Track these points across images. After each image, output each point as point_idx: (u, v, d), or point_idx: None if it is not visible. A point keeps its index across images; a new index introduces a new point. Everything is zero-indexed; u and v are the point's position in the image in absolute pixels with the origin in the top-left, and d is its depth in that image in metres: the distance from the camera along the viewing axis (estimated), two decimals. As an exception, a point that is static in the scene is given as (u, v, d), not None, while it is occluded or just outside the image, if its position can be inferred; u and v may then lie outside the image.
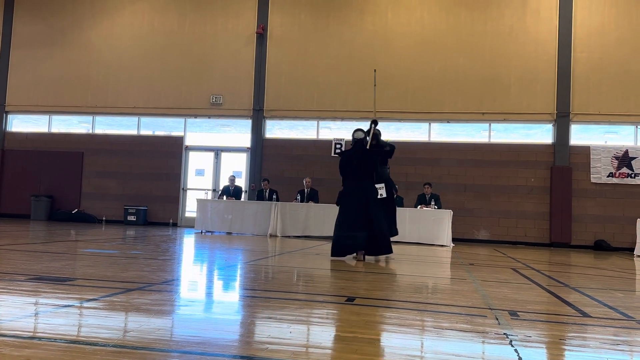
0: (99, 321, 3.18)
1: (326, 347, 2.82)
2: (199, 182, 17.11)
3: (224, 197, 14.43)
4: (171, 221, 16.67)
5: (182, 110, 16.95)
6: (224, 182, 15.79)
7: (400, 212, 11.22)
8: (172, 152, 16.98)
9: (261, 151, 16.36)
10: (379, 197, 8.36)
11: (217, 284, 5.41)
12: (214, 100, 16.69)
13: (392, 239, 8.57)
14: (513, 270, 7.57)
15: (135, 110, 17.19)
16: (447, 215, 12.76)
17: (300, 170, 15.76)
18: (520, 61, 15.33)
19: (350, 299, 4.40)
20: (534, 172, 15.04)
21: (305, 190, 14.25)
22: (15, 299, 3.78)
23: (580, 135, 15.16)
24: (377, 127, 8.82)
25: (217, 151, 17.07)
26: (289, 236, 13.29)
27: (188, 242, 10.67)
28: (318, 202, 13.93)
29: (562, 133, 14.97)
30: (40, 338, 2.72)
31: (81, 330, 2.99)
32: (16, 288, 4.20)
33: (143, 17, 17.44)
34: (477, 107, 15.38)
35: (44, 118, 18.00)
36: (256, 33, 16.51)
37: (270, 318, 3.50)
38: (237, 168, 16.71)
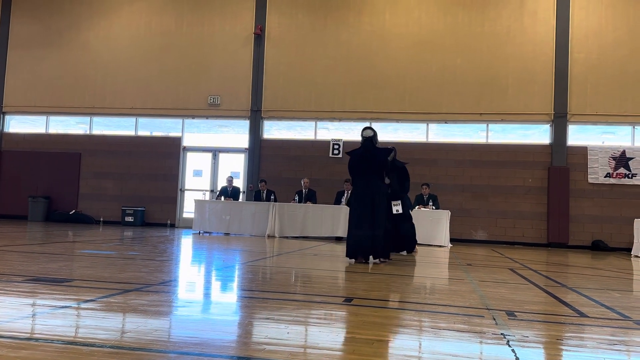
0: (96, 322, 3.17)
1: (324, 347, 2.82)
2: (196, 183, 17.10)
3: (222, 198, 14.42)
4: (169, 222, 16.65)
5: (179, 111, 16.95)
6: (221, 183, 15.79)
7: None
8: (169, 152, 16.96)
9: (259, 152, 16.36)
10: (394, 212, 8.29)
11: (215, 284, 5.40)
12: (211, 100, 16.69)
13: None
14: (510, 270, 7.58)
15: (132, 110, 17.18)
16: (445, 216, 12.77)
17: (298, 170, 15.77)
18: (517, 62, 15.36)
19: (348, 300, 4.40)
20: (532, 172, 15.07)
21: (303, 190, 14.25)
22: (13, 300, 3.77)
23: (577, 135, 15.19)
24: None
25: (215, 152, 17.07)
26: (287, 237, 13.28)
27: (186, 243, 10.66)
28: (316, 203, 13.93)
29: (559, 133, 15.00)
30: (37, 339, 2.71)
31: (78, 331, 2.99)
32: (13, 289, 4.19)
33: (141, 18, 17.43)
34: (474, 108, 15.41)
35: (42, 119, 17.98)
36: (254, 34, 16.52)
37: (267, 319, 3.50)
38: (235, 169, 16.70)
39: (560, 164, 14.89)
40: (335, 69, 16.17)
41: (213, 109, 16.77)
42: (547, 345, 3.15)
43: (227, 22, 16.91)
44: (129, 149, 17.11)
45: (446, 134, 15.88)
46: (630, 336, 3.46)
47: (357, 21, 16.26)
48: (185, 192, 17.03)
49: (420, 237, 12.70)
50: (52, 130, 17.96)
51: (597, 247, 14.32)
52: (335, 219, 13.15)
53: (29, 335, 2.83)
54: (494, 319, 3.71)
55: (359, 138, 16.65)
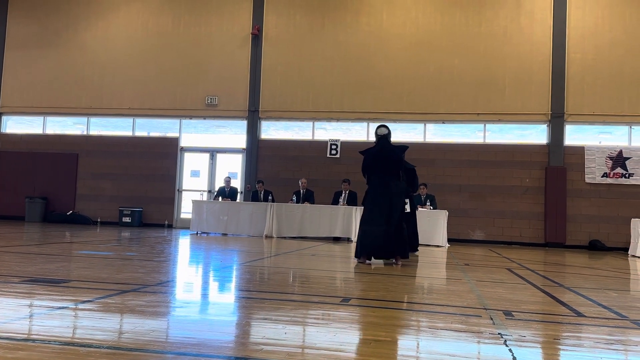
0: (94, 323, 3.17)
1: (321, 347, 2.82)
2: (194, 183, 17.09)
3: (220, 198, 14.42)
4: (166, 222, 16.64)
5: (177, 112, 16.93)
6: (219, 183, 15.79)
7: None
8: (167, 153, 16.95)
9: (257, 152, 16.35)
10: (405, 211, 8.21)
11: (213, 285, 5.40)
12: (209, 101, 16.68)
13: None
14: (508, 270, 7.59)
15: (130, 111, 17.16)
16: (442, 216, 12.78)
17: (296, 171, 15.77)
18: (514, 62, 15.38)
19: (345, 300, 4.40)
20: (529, 172, 15.09)
21: (301, 191, 14.25)
22: (10, 301, 3.76)
23: (574, 135, 15.22)
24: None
25: (213, 152, 17.06)
26: (284, 237, 13.28)
27: (183, 244, 10.66)
28: (314, 203, 13.93)
29: (556, 133, 15.02)
30: (34, 340, 2.71)
31: (76, 332, 2.99)
32: (10, 290, 4.19)
33: (138, 19, 17.42)
34: (472, 108, 15.43)
35: (39, 119, 17.95)
36: (251, 34, 16.51)
37: (265, 319, 3.50)
38: (232, 169, 16.69)
39: (557, 164, 14.92)
40: (333, 69, 16.18)
41: (210, 110, 16.76)
42: (544, 344, 3.16)
43: (225, 22, 16.90)
44: (127, 149, 17.10)
45: (444, 134, 15.90)
46: (628, 336, 3.47)
47: (354, 21, 16.27)
48: (183, 192, 17.02)
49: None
50: (50, 130, 17.93)
51: (595, 247, 14.34)
52: (333, 219, 13.16)
53: (26, 336, 2.82)
54: (492, 319, 3.72)
55: (356, 138, 16.79)
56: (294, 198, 14.09)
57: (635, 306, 4.73)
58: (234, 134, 16.96)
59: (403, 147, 8.04)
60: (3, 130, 18.08)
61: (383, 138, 7.91)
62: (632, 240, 12.49)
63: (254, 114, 16.41)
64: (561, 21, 15.23)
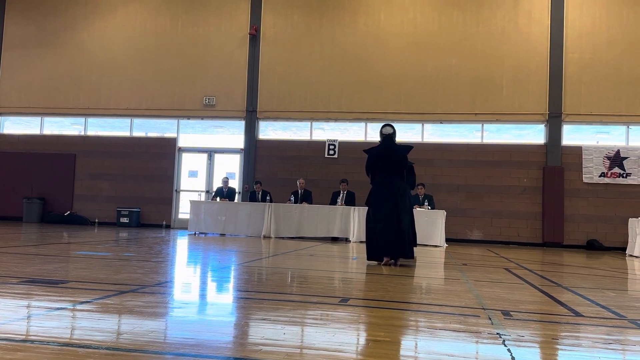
0: (92, 324, 3.16)
1: (320, 348, 2.82)
2: (192, 184, 17.08)
3: (218, 199, 14.41)
4: (164, 223, 16.62)
5: (175, 112, 16.92)
6: (217, 184, 15.77)
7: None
8: (165, 153, 16.93)
9: (254, 152, 16.35)
10: None
11: (211, 285, 5.40)
12: (207, 101, 16.67)
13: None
14: (506, 270, 7.60)
15: (127, 111, 17.15)
16: (440, 216, 12.79)
17: (294, 171, 15.77)
18: (512, 62, 15.41)
19: (344, 300, 4.40)
20: (527, 172, 15.11)
21: (299, 191, 14.25)
22: (7, 302, 3.76)
23: (572, 135, 15.25)
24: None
25: (211, 152, 17.05)
26: (282, 237, 13.28)
27: (181, 244, 10.65)
28: (312, 203, 13.93)
29: (554, 133, 15.04)
30: (32, 341, 2.70)
31: (74, 333, 2.98)
32: (8, 291, 4.18)
33: (136, 19, 17.40)
34: (469, 108, 15.45)
35: (36, 120, 17.91)
36: (249, 34, 16.51)
37: (264, 319, 3.50)
38: (230, 169, 16.69)
39: (554, 164, 14.94)
40: (331, 69, 16.18)
41: (208, 110, 16.75)
42: (542, 344, 3.16)
43: (223, 22, 16.90)
44: (124, 149, 17.08)
45: (441, 134, 15.91)
46: (626, 335, 3.48)
47: (352, 21, 16.28)
48: (181, 192, 17.00)
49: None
50: (47, 131, 17.90)
51: (592, 247, 14.37)
52: (331, 219, 13.17)
53: (24, 337, 2.82)
54: (490, 319, 3.72)
55: (354, 138, 16.80)
56: (292, 198, 14.08)
57: (633, 306, 4.74)
58: (232, 134, 16.95)
59: (408, 147, 8.00)
60: (0, 131, 18.05)
61: (388, 137, 7.83)
62: (629, 240, 12.51)
63: (251, 114, 16.40)
64: (558, 21, 15.25)
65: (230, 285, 5.36)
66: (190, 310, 3.89)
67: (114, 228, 15.43)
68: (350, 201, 13.77)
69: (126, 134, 17.36)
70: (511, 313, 3.98)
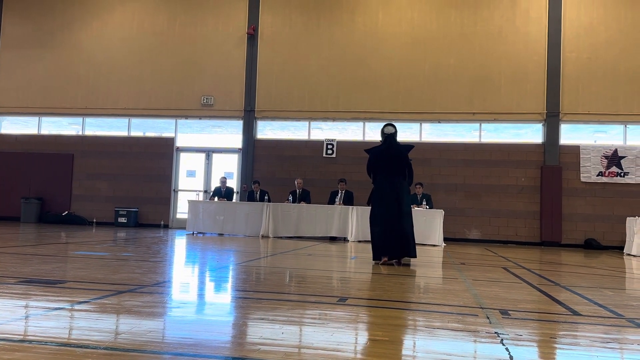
0: (90, 324, 3.16)
1: (318, 347, 2.82)
2: (190, 184, 17.06)
3: (216, 198, 14.39)
4: (162, 223, 16.61)
5: (172, 111, 16.90)
6: (215, 183, 15.76)
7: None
8: (163, 153, 16.92)
9: (252, 152, 16.34)
10: None
11: (209, 285, 5.40)
12: (205, 101, 16.66)
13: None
14: (504, 269, 7.61)
15: (125, 111, 17.13)
16: (438, 215, 12.80)
17: (292, 171, 15.76)
18: (510, 61, 15.42)
19: (342, 300, 4.40)
20: (524, 171, 15.13)
21: (297, 191, 14.25)
22: (5, 302, 3.75)
23: (569, 134, 15.27)
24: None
25: (209, 152, 17.03)
26: (281, 237, 13.28)
27: (179, 244, 10.64)
28: (310, 203, 13.93)
29: (551, 132, 15.06)
30: (30, 341, 2.70)
31: (72, 332, 2.98)
32: (6, 291, 4.17)
33: (133, 18, 17.38)
34: (467, 107, 15.46)
35: (34, 120, 17.89)
36: (247, 34, 16.50)
37: (262, 319, 3.50)
38: (228, 169, 16.68)
39: (552, 163, 14.96)
40: (329, 68, 16.18)
41: (206, 109, 16.74)
42: (540, 343, 3.17)
43: (220, 22, 16.89)
44: (122, 149, 17.06)
45: (439, 134, 15.92)
46: (623, 334, 3.48)
47: (350, 21, 16.28)
48: (179, 192, 16.99)
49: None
50: (45, 131, 17.87)
51: (590, 246, 14.39)
52: (330, 219, 13.17)
53: (22, 337, 2.82)
54: (488, 318, 3.73)
55: (352, 138, 16.80)
56: (290, 198, 14.07)
57: (631, 305, 4.75)
58: (230, 134, 16.94)
59: (409, 146, 8.03)
60: (-2, 131, 18.04)
61: (390, 137, 7.85)
62: (627, 239, 12.53)
63: (249, 113, 16.39)
64: (556, 20, 15.27)
65: (229, 285, 5.35)
66: (189, 310, 3.89)
67: (112, 228, 15.42)
68: (348, 201, 13.78)
69: (124, 133, 17.34)
70: (509, 312, 3.99)
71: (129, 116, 17.22)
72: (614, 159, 14.75)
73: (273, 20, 16.63)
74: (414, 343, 3.09)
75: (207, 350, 2.71)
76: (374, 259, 7.65)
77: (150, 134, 17.46)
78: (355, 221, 12.92)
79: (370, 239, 7.94)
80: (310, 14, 16.46)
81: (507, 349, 2.87)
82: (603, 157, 14.80)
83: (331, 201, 13.93)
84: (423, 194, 13.46)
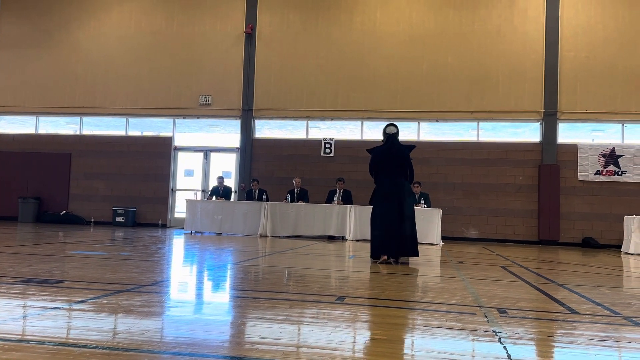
0: (88, 323, 3.16)
1: (317, 346, 2.82)
2: (188, 183, 17.05)
3: (214, 198, 14.39)
4: (160, 222, 16.60)
5: (170, 111, 16.89)
6: (213, 183, 15.76)
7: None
8: (160, 152, 16.90)
9: (250, 151, 16.34)
10: None
11: (207, 284, 5.39)
12: (202, 100, 16.65)
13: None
14: (502, 268, 7.62)
15: (123, 110, 17.10)
16: (436, 214, 12.80)
17: (290, 170, 15.76)
18: (508, 60, 15.43)
19: (340, 299, 4.40)
20: (522, 170, 15.14)
21: (295, 190, 14.24)
22: (3, 302, 3.75)
23: (567, 133, 15.29)
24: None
25: (206, 151, 17.02)
26: (279, 236, 13.28)
27: (177, 243, 10.63)
28: (308, 202, 13.93)
29: (549, 131, 15.08)
30: (28, 341, 2.70)
31: (70, 332, 2.98)
32: (4, 291, 4.17)
33: (130, 18, 17.35)
34: (465, 106, 15.46)
35: (31, 119, 17.85)
36: (245, 33, 16.48)
37: (260, 318, 3.50)
38: (226, 168, 16.66)
39: (550, 162, 14.97)
40: (327, 67, 16.18)
41: (204, 109, 16.72)
42: (538, 342, 3.17)
43: (218, 21, 16.87)
44: (120, 149, 17.04)
45: (437, 133, 15.93)
46: (621, 332, 3.49)
47: (348, 20, 16.27)
48: (177, 192, 16.98)
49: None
50: (42, 130, 17.84)
51: (588, 244, 14.41)
52: (328, 218, 13.17)
53: (20, 337, 2.81)
54: (486, 317, 3.73)
55: (350, 137, 16.80)
56: (288, 197, 14.08)
57: (629, 303, 4.76)
58: (228, 133, 16.93)
59: (411, 146, 8.07)
60: (-5, 130, 18.00)
61: (392, 136, 7.88)
62: (625, 238, 12.55)
63: (247, 113, 16.39)
64: (554, 19, 15.28)
65: (227, 284, 5.35)
66: (187, 309, 3.89)
67: (110, 227, 15.40)
68: (346, 200, 13.78)
69: (122, 133, 17.32)
70: (507, 311, 3.99)
71: (127, 115, 17.20)
72: (611, 157, 14.77)
73: (271, 19, 16.61)
74: (412, 342, 3.09)
75: (205, 349, 2.71)
76: (371, 257, 7.67)
77: (148, 133, 17.44)
78: (354, 220, 12.92)
79: (369, 238, 7.96)
80: (308, 12, 16.45)
81: (504, 348, 2.88)
82: (600, 156, 14.82)
83: (329, 200, 13.93)
84: (421, 193, 13.46)
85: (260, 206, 13.53)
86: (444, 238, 13.15)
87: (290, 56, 16.40)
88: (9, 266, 5.72)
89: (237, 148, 16.56)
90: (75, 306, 3.65)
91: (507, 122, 15.60)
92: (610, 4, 15.22)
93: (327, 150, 15.94)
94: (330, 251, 9.87)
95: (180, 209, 16.43)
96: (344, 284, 5.64)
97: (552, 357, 2.89)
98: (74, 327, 3.12)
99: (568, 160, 14.95)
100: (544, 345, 3.10)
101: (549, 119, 15.08)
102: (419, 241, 12.13)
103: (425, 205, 13.12)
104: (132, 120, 17.28)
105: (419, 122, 15.81)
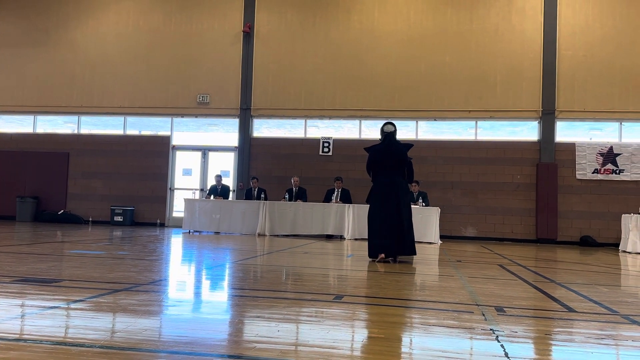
0: (86, 322, 3.15)
1: (314, 345, 2.83)
2: (186, 182, 17.04)
3: (212, 197, 14.38)
4: (158, 221, 16.59)
5: (168, 110, 16.87)
6: (211, 182, 15.75)
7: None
8: (159, 151, 16.89)
9: (249, 150, 16.33)
10: None
11: (205, 283, 5.39)
12: (200, 99, 16.63)
13: None
14: (500, 266, 7.62)
15: (121, 109, 17.09)
16: (434, 213, 12.81)
17: (288, 169, 15.76)
18: (506, 59, 15.44)
19: (338, 297, 4.41)
20: (520, 169, 15.16)
21: (294, 189, 14.24)
22: (1, 301, 3.74)
23: (565, 132, 15.31)
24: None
25: (205, 150, 17.01)
26: (277, 235, 13.27)
27: (176, 242, 10.63)
28: (306, 201, 13.93)
29: (547, 130, 15.09)
30: (26, 340, 2.70)
31: (68, 331, 2.97)
32: (1, 290, 4.16)
33: (128, 17, 17.33)
34: (463, 105, 15.47)
35: (29, 118, 17.83)
36: (243, 32, 16.48)
37: (258, 317, 3.50)
38: (224, 167, 16.66)
39: (548, 161, 14.99)
40: (325, 67, 16.17)
41: (202, 108, 16.71)
42: (536, 340, 3.18)
43: (216, 20, 16.85)
44: (118, 148, 17.02)
45: (435, 132, 15.94)
46: (618, 330, 3.50)
47: (346, 19, 16.27)
48: (175, 191, 16.97)
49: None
50: (40, 129, 17.82)
51: (586, 243, 14.43)
52: (326, 217, 13.17)
53: (17, 336, 2.81)
54: (483, 315, 3.74)
55: (348, 136, 16.80)
56: (287, 196, 14.08)
57: (626, 301, 4.77)
58: (226, 132, 16.93)
59: (408, 145, 8.05)
60: (-7, 130, 17.97)
61: (389, 135, 7.86)
62: (622, 236, 12.58)
63: (245, 112, 16.38)
64: (552, 18, 15.29)
65: (225, 283, 5.35)
66: (185, 308, 3.88)
67: (108, 227, 15.39)
68: (344, 199, 13.79)
69: (119, 132, 17.30)
70: (505, 309, 4.00)
71: (125, 114, 17.19)
72: (609, 156, 14.80)
73: (269, 18, 16.60)
74: (410, 340, 3.09)
75: (203, 348, 2.71)
76: (369, 256, 7.67)
77: (146, 132, 17.43)
78: (352, 219, 12.92)
79: (367, 237, 7.96)
80: (306, 12, 16.45)
81: (502, 346, 2.88)
82: (598, 155, 14.84)
83: (327, 199, 13.94)
84: (419, 192, 13.47)
85: (259, 205, 13.53)
86: (442, 237, 13.16)
87: (288, 55, 16.39)
88: (6, 265, 5.72)
89: (235, 147, 16.55)
90: (72, 305, 3.64)
91: (505, 121, 15.62)
92: (608, 3, 15.24)
93: (326, 149, 15.94)
94: (329, 250, 9.88)
95: (178, 208, 16.42)
96: (342, 282, 5.64)
97: (549, 355, 2.90)
98: (71, 326, 3.12)
99: (566, 158, 14.97)
100: (542, 344, 3.10)
101: (547, 118, 15.10)
102: (417, 240, 12.25)
103: (424, 204, 13.13)
104: (130, 119, 17.27)
105: (417, 121, 15.82)
